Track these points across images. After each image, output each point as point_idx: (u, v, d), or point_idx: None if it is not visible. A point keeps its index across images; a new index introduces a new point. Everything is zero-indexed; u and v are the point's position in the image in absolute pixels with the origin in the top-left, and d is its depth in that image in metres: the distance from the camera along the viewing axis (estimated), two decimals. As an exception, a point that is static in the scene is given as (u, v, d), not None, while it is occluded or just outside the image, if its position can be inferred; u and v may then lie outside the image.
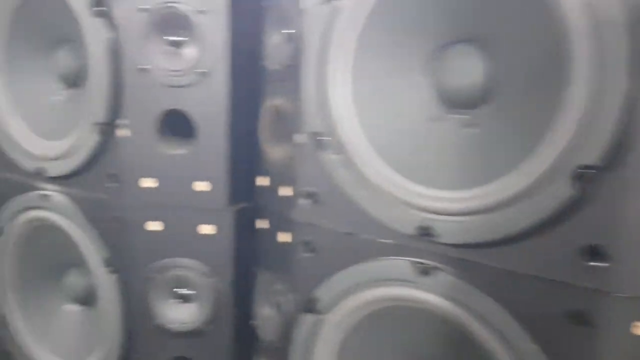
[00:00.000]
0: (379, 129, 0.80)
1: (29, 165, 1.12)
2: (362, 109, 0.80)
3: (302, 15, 0.85)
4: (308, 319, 0.86)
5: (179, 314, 1.03)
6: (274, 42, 0.95)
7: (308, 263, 0.86)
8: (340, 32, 0.80)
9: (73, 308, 1.19)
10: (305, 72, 0.84)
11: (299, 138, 0.86)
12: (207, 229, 1.00)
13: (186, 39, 0.97)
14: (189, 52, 0.97)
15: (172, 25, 0.97)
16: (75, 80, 1.12)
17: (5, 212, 1.17)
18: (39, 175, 1.11)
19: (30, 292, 1.20)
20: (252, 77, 0.99)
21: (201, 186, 0.99)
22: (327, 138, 0.82)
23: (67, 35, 1.11)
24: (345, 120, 0.80)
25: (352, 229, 0.81)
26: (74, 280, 1.17)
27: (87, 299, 1.16)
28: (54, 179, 1.09)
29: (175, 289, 1.02)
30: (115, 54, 0.98)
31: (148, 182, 1.01)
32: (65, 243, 1.11)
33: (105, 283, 1.05)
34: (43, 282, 1.20)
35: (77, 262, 1.14)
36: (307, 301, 0.86)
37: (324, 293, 0.84)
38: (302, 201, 0.86)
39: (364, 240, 0.80)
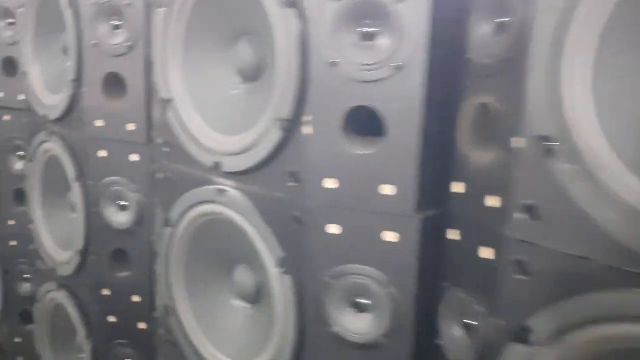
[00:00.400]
0: (630, 138, 0.66)
1: (205, 159, 1.12)
2: (606, 112, 0.68)
3: (528, 3, 0.74)
4: (518, 350, 0.75)
5: (355, 324, 0.96)
6: (483, 32, 0.85)
7: (520, 286, 0.75)
8: (581, 22, 0.68)
9: (241, 305, 1.17)
10: (533, 67, 0.72)
11: (518, 142, 0.75)
12: (390, 236, 0.93)
13: (380, 29, 0.90)
14: (383, 44, 0.90)
15: (365, 15, 0.90)
16: (254, 74, 1.10)
17: (180, 204, 1.18)
18: (216, 170, 1.10)
19: (198, 285, 1.20)
20: (452, 72, 0.89)
21: (387, 189, 0.92)
22: (558, 144, 0.70)
23: (249, 27, 1.08)
24: (585, 124, 0.68)
25: (587, 253, 0.69)
26: (243, 277, 1.15)
27: (256, 298, 1.14)
28: (231, 175, 1.08)
29: (352, 297, 0.96)
30: (305, 47, 0.93)
31: (330, 183, 0.95)
32: (237, 239, 1.09)
33: (278, 284, 1.01)
34: (211, 276, 1.20)
35: (248, 259, 1.12)
36: (517, 329, 0.75)
37: (541, 323, 0.73)
38: (517, 215, 0.75)
39: (601, 267, 0.68)
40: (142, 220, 1.43)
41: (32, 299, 1.95)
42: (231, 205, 1.08)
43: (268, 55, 1.05)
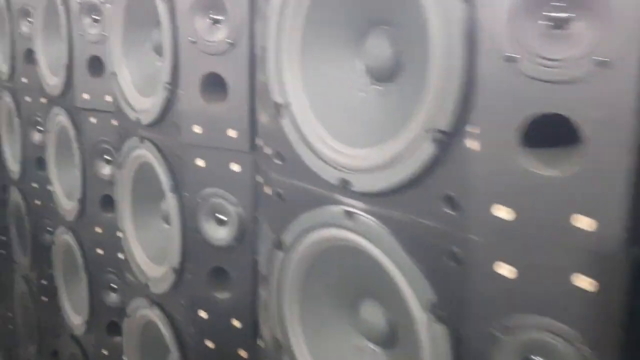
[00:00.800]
0: None
1: (329, 175, 0.94)
2: None
3: None
4: None
5: (531, 390, 0.76)
6: None
7: None
8: None
9: (369, 347, 0.99)
10: None
11: None
12: (584, 282, 0.72)
13: (576, 13, 0.69)
14: (581, 33, 0.68)
15: (556, -5, 0.69)
16: (389, 73, 0.91)
17: (296, 226, 1.01)
18: (342, 188, 0.92)
19: (315, 318, 1.04)
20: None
21: (582, 221, 0.71)
22: None
23: (385, 15, 0.90)
24: None
25: None
26: (371, 314, 0.97)
27: (389, 341, 0.96)
28: (363, 195, 0.90)
29: (528, 356, 0.76)
30: (471, 38, 0.74)
31: (501, 212, 0.75)
32: (366, 271, 0.92)
33: (428, 333, 0.82)
34: (331, 310, 1.02)
35: (378, 293, 0.95)
36: None
37: None
38: None
39: None
40: (244, 236, 1.28)
41: (119, 310, 1.87)
42: (362, 231, 0.90)
43: (410, 49, 0.86)
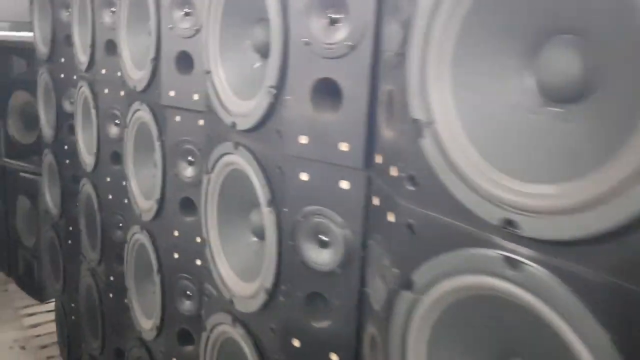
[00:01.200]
0: None
1: (487, 213, 0.78)
2: None
3: None
4: None
5: None
6: None
7: None
8: None
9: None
10: None
11: None
12: None
13: None
14: None
15: None
16: (574, 93, 0.74)
17: (433, 266, 0.86)
18: (505, 230, 0.76)
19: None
20: None
21: None
22: None
23: (576, 22, 0.73)
24: None
25: None
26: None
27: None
28: (535, 242, 0.73)
29: None
30: None
31: None
32: (526, 330, 0.76)
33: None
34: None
35: (537, 351, 0.79)
36: None
37: None
38: None
39: None
40: (349, 263, 1.14)
41: (192, 318, 1.78)
42: (530, 285, 0.73)
43: (609, 65, 0.69)
